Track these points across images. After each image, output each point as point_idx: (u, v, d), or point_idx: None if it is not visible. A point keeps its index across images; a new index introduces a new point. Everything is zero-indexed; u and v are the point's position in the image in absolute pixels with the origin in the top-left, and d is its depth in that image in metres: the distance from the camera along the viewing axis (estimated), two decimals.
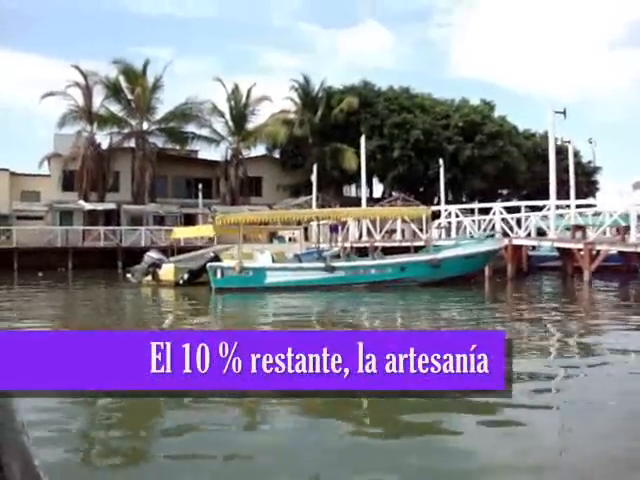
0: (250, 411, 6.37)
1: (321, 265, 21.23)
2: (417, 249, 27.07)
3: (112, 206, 44.53)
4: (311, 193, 48.69)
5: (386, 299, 19.01)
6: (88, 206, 43.93)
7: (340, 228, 31.40)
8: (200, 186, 46.27)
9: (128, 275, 24.95)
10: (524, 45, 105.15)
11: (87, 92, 47.56)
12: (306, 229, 35.85)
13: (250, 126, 51.39)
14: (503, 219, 28.73)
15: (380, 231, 32.19)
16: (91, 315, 16.00)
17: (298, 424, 6.03)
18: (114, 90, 48.44)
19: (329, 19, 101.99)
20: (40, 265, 34.21)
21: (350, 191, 58.51)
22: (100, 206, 44.42)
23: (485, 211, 31.20)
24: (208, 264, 20.56)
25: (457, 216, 31.57)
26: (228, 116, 51.33)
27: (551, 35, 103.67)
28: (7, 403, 0.63)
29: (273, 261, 21.32)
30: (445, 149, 49.44)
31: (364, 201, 34.36)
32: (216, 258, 21.46)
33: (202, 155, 53.16)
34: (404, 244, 29.66)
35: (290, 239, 36.81)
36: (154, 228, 42.38)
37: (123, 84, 48.69)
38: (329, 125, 51.17)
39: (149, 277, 23.16)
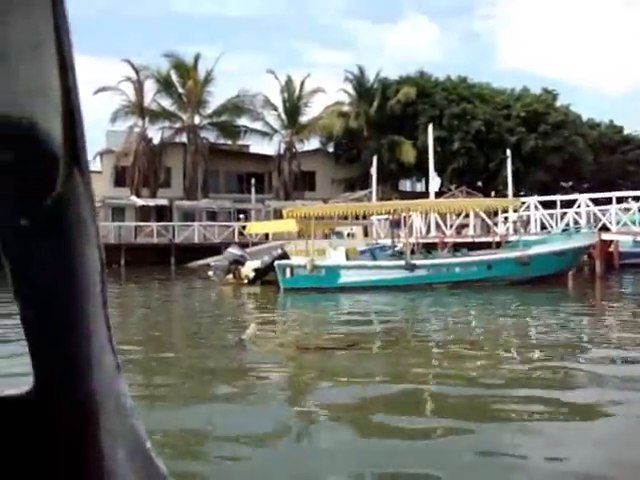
0: None
1: (400, 263, 18.88)
2: (495, 246, 24.69)
3: (164, 202, 42.96)
4: (366, 187, 46.40)
5: (474, 300, 16.65)
6: (140, 202, 42.43)
7: (403, 223, 28.95)
8: (253, 181, 44.40)
9: (209, 273, 22.58)
10: (570, 35, 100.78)
11: (139, 87, 46.09)
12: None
13: (304, 119, 49.31)
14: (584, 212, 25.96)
15: (450, 226, 29.69)
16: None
17: None
18: (165, 84, 46.94)
19: (374, 15, 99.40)
20: None
21: (405, 185, 55.98)
22: (152, 202, 42.89)
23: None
24: (276, 262, 18.36)
25: (536, 209, 28.78)
26: (281, 109, 49.33)
27: (599, 24, 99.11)
28: (115, 384, 0.59)
29: (347, 258, 19.05)
30: (507, 140, 46.39)
31: (432, 193, 31.79)
32: (284, 255, 19.21)
33: (254, 150, 51.31)
34: (477, 240, 27.18)
35: (348, 235, 34.54)
36: (207, 224, 40.67)
37: (174, 78, 47.11)
38: (385, 117, 48.66)
39: (230, 275, 20.79)
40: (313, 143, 52.02)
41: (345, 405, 6.54)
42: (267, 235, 40.09)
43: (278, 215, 43.99)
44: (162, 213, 42.75)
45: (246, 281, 19.28)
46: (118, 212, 42.65)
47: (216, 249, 37.59)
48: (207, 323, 12.96)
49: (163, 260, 35.95)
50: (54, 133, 0.50)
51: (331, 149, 52.79)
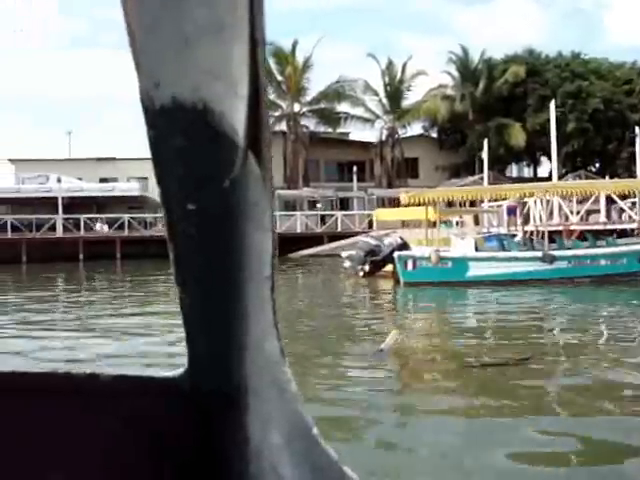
0: None
1: (537, 254, 16.36)
2: (620, 234, 21.66)
3: None
4: (472, 174, 43.50)
5: (632, 297, 14.02)
6: None
7: (519, 210, 26.08)
8: (355, 169, 42.45)
9: (346, 264, 20.11)
10: None
11: None
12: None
13: (406, 104, 46.73)
14: None
15: (573, 212, 26.57)
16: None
17: None
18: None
19: None
20: None
21: (511, 171, 52.36)
22: None
23: None
24: (396, 253, 16.24)
25: None
26: (382, 94, 46.94)
27: None
28: (277, 369, 0.59)
29: (476, 249, 16.70)
30: (629, 119, 42.13)
31: (555, 176, 28.68)
32: (404, 245, 17.02)
33: (353, 137, 49.30)
34: (609, 227, 24.06)
35: (457, 223, 31.95)
36: (310, 213, 39.10)
37: (273, 66, 45.73)
38: (492, 98, 45.37)
39: (366, 267, 18.51)
40: (415, 129, 49.54)
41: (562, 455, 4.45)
42: (370, 224, 38.13)
43: (381, 204, 41.99)
44: None
45: (361, 274, 17.21)
46: None
47: (318, 239, 36.03)
48: (331, 323, 11.02)
49: None
50: (232, 117, 0.47)
51: (434, 134, 50.06)
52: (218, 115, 0.46)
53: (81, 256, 33.23)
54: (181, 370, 0.64)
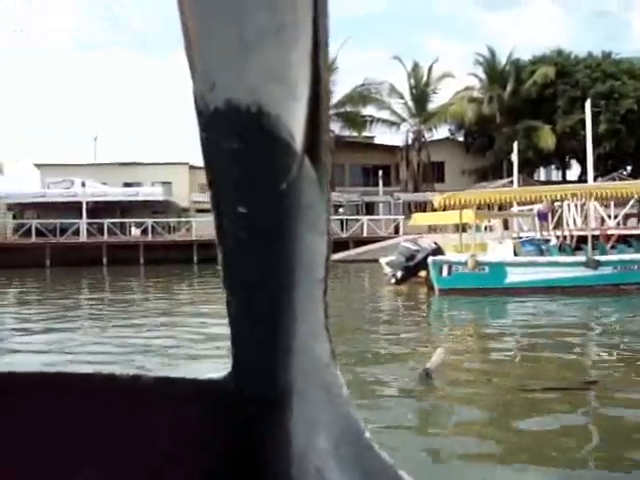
0: None
1: (580, 259, 15.28)
2: None
3: None
4: (499, 178, 42.32)
5: None
6: None
7: (550, 215, 24.87)
8: (380, 173, 41.49)
9: (386, 271, 18.55)
10: None
11: None
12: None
13: (432, 106, 45.65)
14: None
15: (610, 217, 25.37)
16: None
17: None
18: None
19: (492, 1, 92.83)
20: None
21: (539, 174, 50.92)
22: None
23: None
24: (430, 258, 15.24)
25: None
26: (408, 96, 45.94)
27: None
28: (326, 372, 0.58)
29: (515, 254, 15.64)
30: None
31: (590, 178, 27.46)
32: (438, 250, 15.99)
33: (378, 141, 48.32)
34: None
35: (485, 228, 30.81)
36: (334, 218, 38.17)
37: None
38: (520, 101, 44.13)
39: (399, 273, 17.09)
40: (441, 132, 48.46)
41: None
42: (397, 229, 37.14)
43: (407, 208, 40.94)
44: None
45: (393, 280, 16.19)
46: None
47: (343, 244, 35.08)
48: (362, 337, 9.99)
49: None
50: (289, 120, 0.46)
51: (460, 138, 48.91)
52: (274, 118, 0.45)
53: (105, 260, 32.69)
54: (225, 373, 0.64)
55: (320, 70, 0.44)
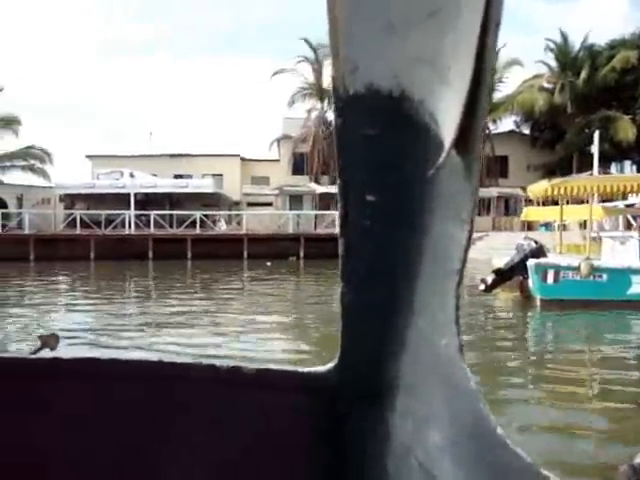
0: None
1: None
2: None
3: None
4: (568, 174, 38.26)
5: None
6: (320, 189, 37.70)
7: None
8: None
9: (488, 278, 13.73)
10: None
11: (317, 67, 41.43)
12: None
13: (498, 96, 41.73)
14: None
15: None
16: None
17: None
18: None
19: None
20: (269, 253, 28.44)
21: (612, 170, 46.34)
22: (333, 189, 37.96)
23: None
24: (531, 261, 11.92)
25: None
26: None
27: None
28: (453, 367, 0.53)
29: None
30: None
31: None
32: (539, 251, 12.54)
33: None
34: None
35: (559, 227, 27.06)
36: None
37: None
38: (595, 89, 39.81)
39: (489, 279, 13.41)
40: (505, 124, 44.48)
41: None
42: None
43: None
44: None
45: (482, 287, 12.79)
46: (295, 201, 38.61)
47: None
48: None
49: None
50: (433, 105, 0.43)
51: (526, 131, 44.80)
52: (417, 103, 0.42)
53: (150, 254, 30.29)
54: (330, 365, 0.62)
55: (486, 53, 0.40)
